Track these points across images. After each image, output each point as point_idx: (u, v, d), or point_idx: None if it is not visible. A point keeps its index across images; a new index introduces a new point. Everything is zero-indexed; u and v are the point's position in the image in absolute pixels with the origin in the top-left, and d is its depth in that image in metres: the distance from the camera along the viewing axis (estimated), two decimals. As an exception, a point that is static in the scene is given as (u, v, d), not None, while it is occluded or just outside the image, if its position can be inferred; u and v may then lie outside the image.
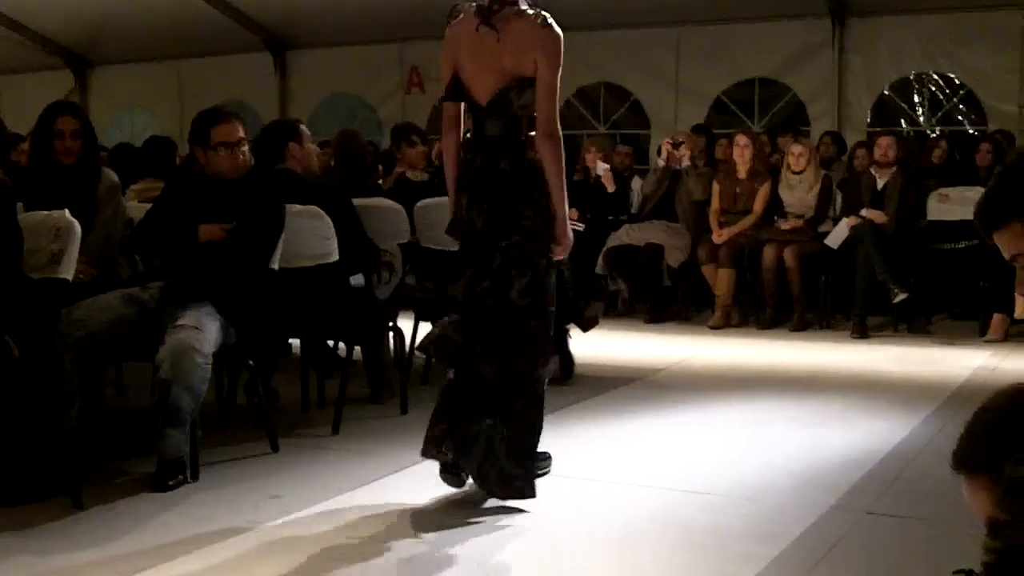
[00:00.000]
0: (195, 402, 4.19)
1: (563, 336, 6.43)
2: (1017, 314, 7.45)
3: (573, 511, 4.00)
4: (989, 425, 1.65)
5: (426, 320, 6.56)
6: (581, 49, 11.37)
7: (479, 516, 3.93)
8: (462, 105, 4.03)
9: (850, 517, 3.89)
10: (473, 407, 3.99)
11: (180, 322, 4.23)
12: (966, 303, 8.22)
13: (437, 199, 6.34)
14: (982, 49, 9.91)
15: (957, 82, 10.36)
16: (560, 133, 3.89)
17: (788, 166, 8.64)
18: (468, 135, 4.04)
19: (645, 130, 11.57)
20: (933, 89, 10.59)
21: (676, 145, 8.96)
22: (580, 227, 9.09)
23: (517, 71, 3.87)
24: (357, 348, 5.59)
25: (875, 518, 3.89)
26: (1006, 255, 1.96)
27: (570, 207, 8.87)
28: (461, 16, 3.97)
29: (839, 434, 5.12)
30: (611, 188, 9.33)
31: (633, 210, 9.45)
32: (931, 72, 10.48)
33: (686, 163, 8.91)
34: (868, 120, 10.54)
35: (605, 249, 8.92)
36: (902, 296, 7.87)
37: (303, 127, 5.71)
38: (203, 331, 4.23)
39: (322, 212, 5.13)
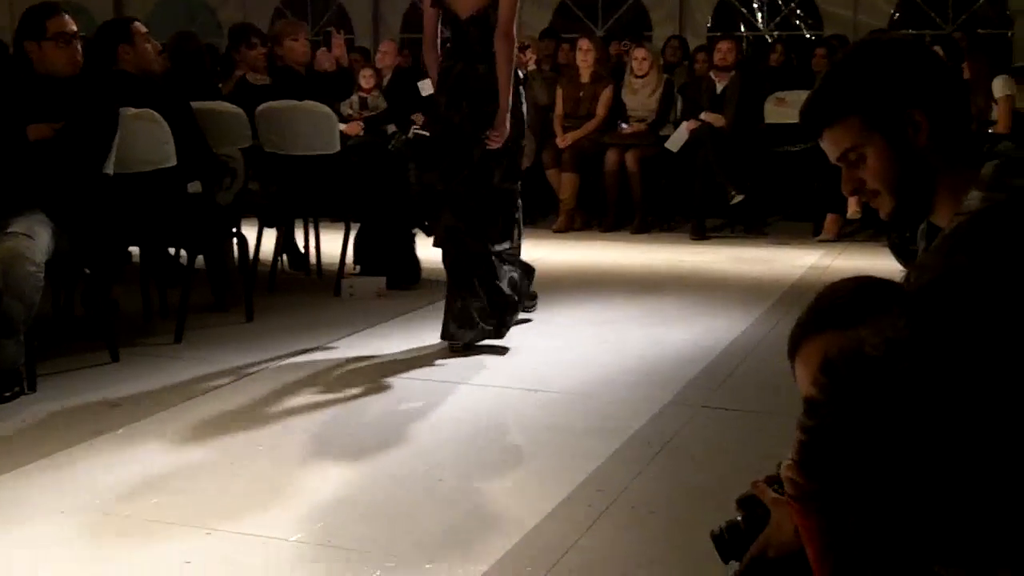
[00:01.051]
0: (28, 312, 4.08)
1: (409, 241, 6.45)
2: (849, 214, 7.77)
3: (417, 411, 4.06)
4: (824, 300, 1.70)
5: (270, 226, 6.50)
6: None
7: (323, 418, 3.96)
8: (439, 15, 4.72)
9: (686, 411, 4.04)
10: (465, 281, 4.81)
11: (10, 230, 4.09)
12: (801, 204, 8.49)
13: (279, 102, 6.24)
14: (819, -45, 10.15)
15: (794, -14, 10.60)
16: (515, 34, 4.62)
17: (631, 70, 8.73)
18: (448, 44, 4.71)
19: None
20: (771, -7, 10.82)
21: (522, 49, 8.94)
22: (426, 133, 9.04)
23: None
24: (201, 256, 5.50)
25: (710, 411, 4.05)
26: (834, 154, 1.96)
27: (415, 112, 8.78)
28: None
29: (677, 332, 5.29)
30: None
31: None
32: (770, -23, 10.68)
33: (531, 68, 8.91)
34: (709, 25, 10.70)
35: (451, 154, 8.89)
36: (739, 198, 8.09)
37: (137, 25, 5.49)
38: (34, 239, 4.10)
39: (158, 116, 5.00)
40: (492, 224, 4.81)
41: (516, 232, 5.11)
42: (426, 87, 9.32)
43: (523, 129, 4.90)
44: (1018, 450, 0.86)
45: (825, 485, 0.95)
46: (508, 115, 4.67)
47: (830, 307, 1.66)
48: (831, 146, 1.96)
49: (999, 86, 7.77)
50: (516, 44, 4.67)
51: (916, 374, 0.90)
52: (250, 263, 5.83)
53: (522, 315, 5.32)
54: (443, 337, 4.92)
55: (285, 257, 6.89)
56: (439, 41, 4.84)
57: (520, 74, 5.34)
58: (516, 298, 4.98)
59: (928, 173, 1.90)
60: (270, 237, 6.54)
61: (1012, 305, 0.95)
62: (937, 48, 8.12)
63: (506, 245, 4.95)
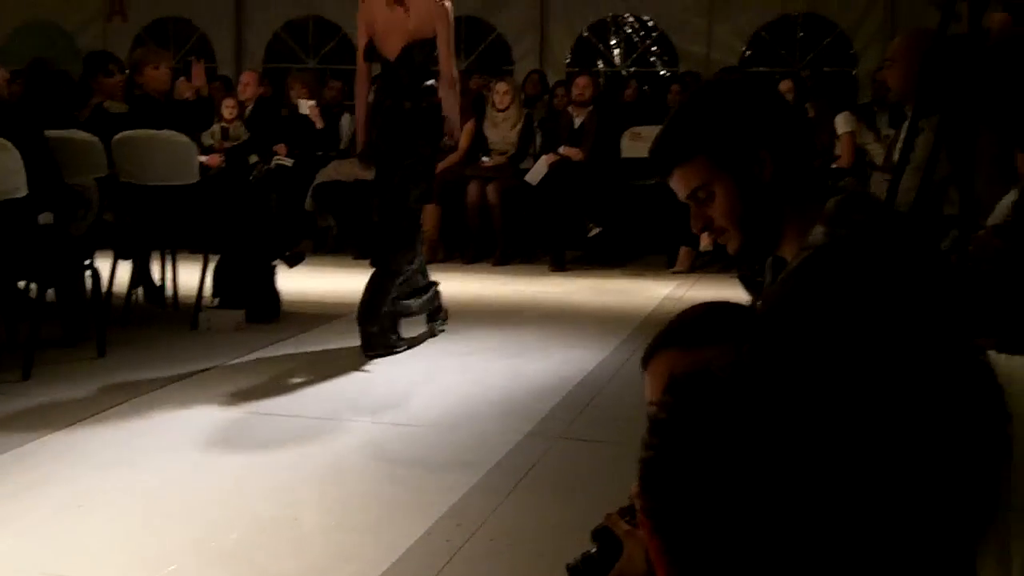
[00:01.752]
0: None
1: (270, 273, 6.39)
2: (702, 247, 8.00)
3: (276, 448, 4.02)
4: (676, 320, 1.75)
5: (125, 258, 6.37)
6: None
7: (177, 457, 3.90)
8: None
9: (545, 443, 4.10)
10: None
11: None
12: (656, 237, 8.69)
13: (137, 131, 6.14)
14: (676, -7, 10.44)
15: (651, 24, 10.85)
16: (457, 77, 5.44)
17: (492, 104, 8.84)
18: (377, 82, 5.39)
19: (355, 66, 11.49)
20: (628, 31, 11.06)
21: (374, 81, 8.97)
22: (288, 163, 9.00)
23: (419, 35, 5.26)
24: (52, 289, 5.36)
25: (568, 442, 4.12)
26: (683, 193, 2.00)
27: (278, 142, 8.78)
28: None
29: (537, 364, 5.36)
30: (319, 124, 9.26)
31: (343, 146, 9.43)
32: (626, 15, 10.92)
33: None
34: (568, 60, 10.89)
35: (314, 185, 8.86)
36: (596, 230, 8.26)
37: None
38: None
39: (9, 144, 4.87)
40: (401, 244, 5.49)
41: (419, 248, 5.71)
42: (303, 106, 9.29)
43: (436, 155, 5.68)
44: (855, 472, 0.93)
45: (666, 503, 0.99)
46: (457, 127, 5.61)
47: (680, 326, 1.72)
48: (680, 185, 2.00)
49: (841, 123, 8.10)
50: (458, 87, 5.53)
51: (758, 396, 0.95)
52: (104, 296, 5.70)
53: (435, 331, 5.90)
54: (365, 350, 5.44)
55: (141, 290, 6.75)
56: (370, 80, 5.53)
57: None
58: (415, 311, 5.68)
59: (774, 210, 1.96)
60: (125, 269, 6.41)
61: (851, 334, 1.02)
62: (787, 83, 8.44)
63: (414, 264, 5.60)
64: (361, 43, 5.49)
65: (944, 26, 3.10)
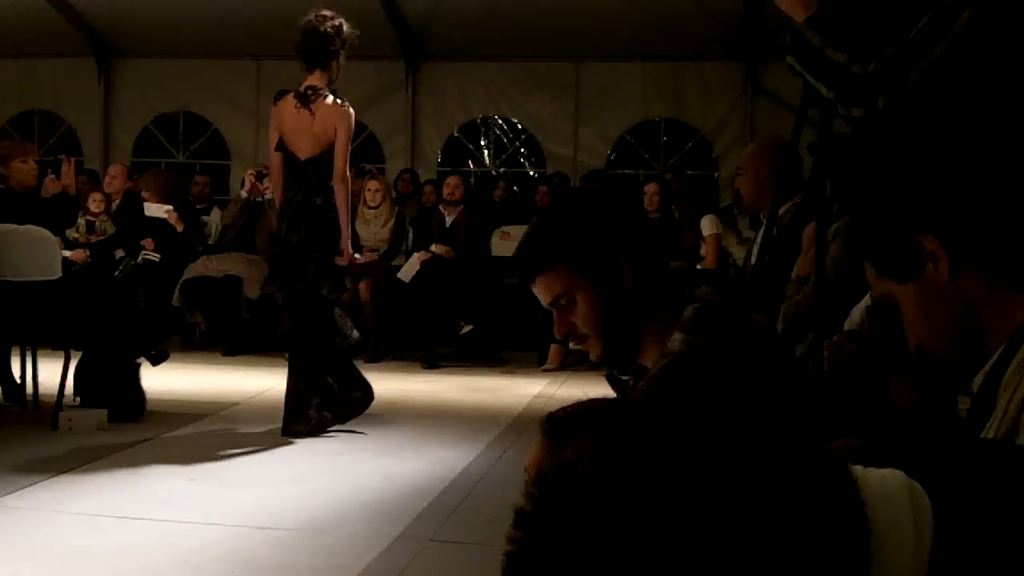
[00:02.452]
0: None
1: (134, 371, 6.26)
2: (571, 345, 8.11)
3: (136, 556, 3.90)
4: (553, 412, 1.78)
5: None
6: (161, 77, 11.16)
7: (31, 568, 3.76)
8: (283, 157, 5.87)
9: (415, 546, 4.07)
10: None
11: None
12: (526, 334, 8.79)
13: (7, 227, 6.01)
14: (541, 96, 10.72)
15: (519, 126, 11.10)
16: (348, 177, 5.86)
17: (364, 201, 8.90)
18: (288, 179, 5.87)
19: (225, 160, 11.46)
20: (498, 132, 11.28)
21: (260, 177, 8.98)
22: (156, 257, 8.88)
23: (325, 138, 5.76)
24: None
25: (438, 545, 4.09)
26: (546, 300, 2.06)
27: (145, 237, 8.75)
28: (285, 98, 5.92)
29: (409, 463, 5.34)
30: (179, 228, 9.15)
31: (211, 241, 9.34)
32: (496, 116, 11.16)
33: (268, 195, 8.94)
34: (439, 160, 11.05)
35: (182, 281, 8.75)
36: (468, 328, 8.32)
37: None
38: None
39: None
40: (322, 328, 5.84)
41: (348, 331, 6.08)
42: (151, 209, 9.18)
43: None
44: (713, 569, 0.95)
45: None
46: (348, 240, 5.93)
47: (555, 418, 1.76)
48: (543, 292, 2.06)
49: (707, 225, 8.37)
50: (348, 184, 5.90)
51: (622, 492, 0.97)
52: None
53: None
54: (284, 433, 5.76)
55: (-1, 388, 6.54)
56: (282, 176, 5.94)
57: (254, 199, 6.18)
58: (346, 390, 6.00)
59: (634, 319, 2.03)
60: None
61: (707, 439, 1.06)
62: (652, 186, 8.70)
63: (335, 342, 5.96)
64: (273, 139, 5.98)
65: (798, 130, 3.28)
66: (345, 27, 5.94)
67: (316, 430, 5.83)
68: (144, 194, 9.11)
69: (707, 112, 10.60)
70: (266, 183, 8.94)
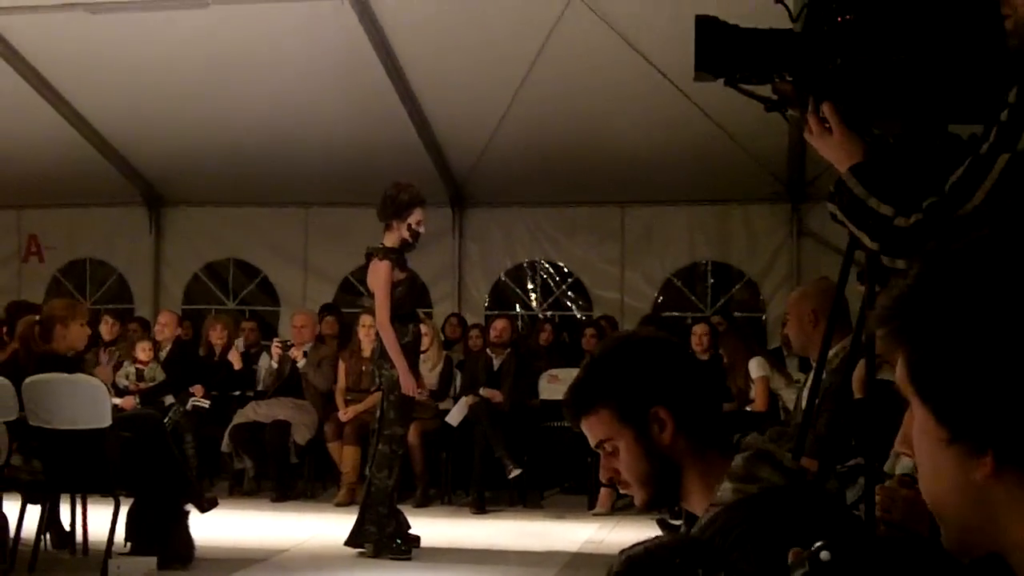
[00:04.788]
0: None
1: (183, 517, 6.23)
2: (622, 489, 8.00)
3: None
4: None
5: (34, 503, 6.18)
6: (211, 225, 11.40)
7: None
8: None
9: None
10: None
11: None
12: (576, 478, 8.71)
13: (48, 375, 6.07)
14: (586, 240, 10.81)
15: (566, 270, 11.18)
16: (389, 325, 6.61)
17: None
18: None
19: (275, 307, 11.60)
20: (544, 276, 11.37)
21: (287, 347, 9.12)
22: (205, 404, 8.93)
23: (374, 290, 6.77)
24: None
25: None
26: (592, 442, 2.06)
27: (194, 383, 8.87)
28: None
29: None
30: (238, 366, 9.27)
31: (260, 387, 9.40)
32: (542, 260, 11.27)
33: (301, 361, 9.06)
34: (486, 304, 11.12)
35: (231, 426, 8.78)
36: (517, 472, 8.24)
37: None
38: None
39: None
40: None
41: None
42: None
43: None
44: None
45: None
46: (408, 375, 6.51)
47: (633, 560, 1.73)
48: (589, 434, 2.07)
49: (755, 367, 8.33)
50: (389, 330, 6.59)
51: None
52: (10, 543, 5.50)
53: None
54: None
55: (49, 535, 6.52)
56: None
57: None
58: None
59: (673, 469, 2.01)
60: (34, 514, 6.21)
61: None
62: (701, 327, 8.69)
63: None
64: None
65: (845, 272, 3.27)
66: (400, 195, 6.68)
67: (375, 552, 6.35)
68: (213, 332, 9.30)
69: (753, 254, 10.63)
70: (293, 352, 9.08)
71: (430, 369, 8.86)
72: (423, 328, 9.09)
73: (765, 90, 2.56)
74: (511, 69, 8.70)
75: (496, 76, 8.85)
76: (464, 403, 8.54)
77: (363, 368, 8.85)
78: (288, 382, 9.07)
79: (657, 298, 10.85)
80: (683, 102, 8.29)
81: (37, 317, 6.40)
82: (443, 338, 9.59)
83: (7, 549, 5.45)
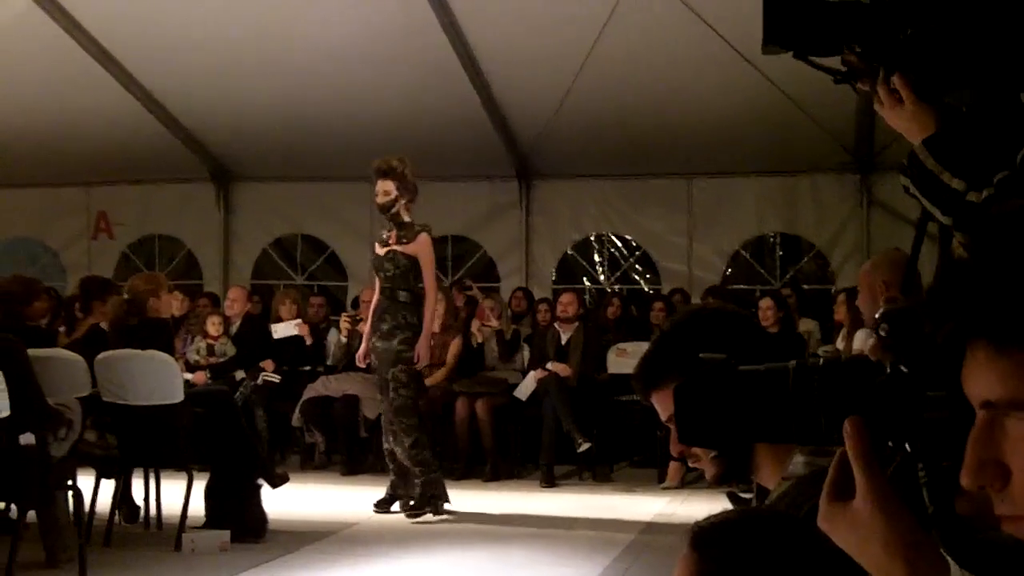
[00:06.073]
0: None
1: (255, 492, 6.30)
2: (692, 463, 7.94)
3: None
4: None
5: (108, 477, 6.28)
6: (279, 201, 11.48)
7: None
8: None
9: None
10: None
11: None
12: (645, 451, 8.66)
13: (120, 351, 6.17)
14: (654, 213, 10.71)
15: (633, 243, 11.11)
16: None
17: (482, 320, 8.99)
18: None
19: (343, 281, 11.67)
20: (612, 249, 11.30)
21: (355, 322, 9.16)
22: (276, 379, 9.01)
23: None
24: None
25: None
26: (663, 416, 2.03)
27: (265, 358, 8.97)
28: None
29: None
30: (309, 340, 9.34)
31: (330, 361, 9.46)
32: (609, 233, 11.19)
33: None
34: (553, 278, 11.08)
35: (302, 401, 8.85)
36: (586, 446, 8.22)
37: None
38: None
39: (-8, 365, 4.86)
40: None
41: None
42: (279, 330, 9.40)
43: None
44: None
45: None
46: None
47: (703, 530, 1.71)
48: (659, 408, 2.05)
49: (860, 339, 8.13)
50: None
51: None
52: (86, 517, 5.60)
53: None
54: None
55: (120, 511, 6.64)
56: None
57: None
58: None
59: (745, 443, 1.99)
60: (107, 488, 6.32)
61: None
62: (767, 301, 8.57)
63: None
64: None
65: (918, 243, 3.18)
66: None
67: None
68: (283, 308, 9.39)
69: (821, 225, 10.47)
70: (361, 326, 9.13)
71: (495, 343, 8.88)
72: (489, 302, 9.12)
73: (834, 61, 2.49)
74: (577, 39, 8.61)
75: (562, 47, 8.77)
76: (532, 377, 8.53)
77: (431, 341, 8.85)
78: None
79: (725, 271, 10.75)
80: (750, 72, 8.15)
81: (125, 295, 6.53)
82: (510, 312, 9.57)
83: (83, 524, 5.53)
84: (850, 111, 8.46)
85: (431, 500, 6.76)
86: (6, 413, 4.85)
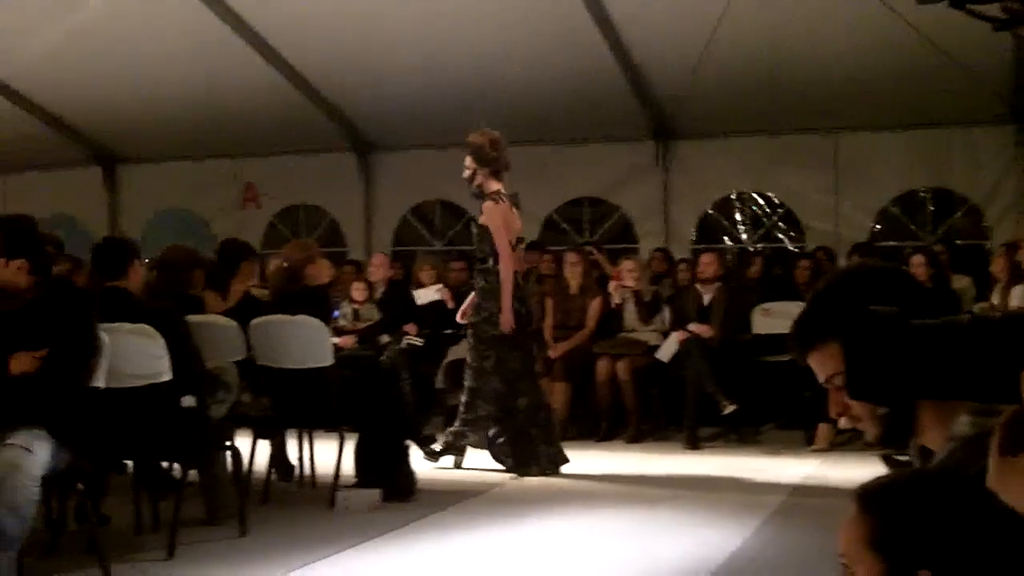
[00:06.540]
0: (22, 525, 4.01)
1: (404, 452, 6.41)
2: (841, 424, 7.77)
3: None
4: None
5: (264, 438, 6.47)
6: (417, 169, 11.60)
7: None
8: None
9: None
10: None
11: (8, 441, 4.06)
12: (792, 413, 8.51)
13: (273, 316, 6.34)
14: (799, 170, 10.47)
15: (776, 201, 10.89)
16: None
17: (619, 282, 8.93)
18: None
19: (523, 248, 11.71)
20: (754, 208, 11.10)
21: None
22: (419, 342, 9.13)
23: None
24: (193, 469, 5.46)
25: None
26: (820, 377, 2.00)
27: (408, 322, 9.15)
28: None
29: (674, 544, 5.23)
30: (451, 304, 9.43)
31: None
32: (751, 192, 10.99)
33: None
34: (693, 238, 10.95)
35: (445, 363, 8.93)
36: (731, 408, 8.11)
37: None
38: (33, 452, 4.07)
39: (154, 331, 5.02)
40: None
41: None
42: (422, 296, 9.53)
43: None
44: None
45: None
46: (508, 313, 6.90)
47: (870, 491, 1.67)
48: (817, 368, 2.01)
49: (1019, 295, 7.87)
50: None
51: None
52: (244, 476, 5.77)
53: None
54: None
55: (275, 470, 6.83)
56: None
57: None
58: None
59: (907, 403, 1.93)
60: (264, 448, 6.51)
61: None
62: (919, 257, 8.30)
63: None
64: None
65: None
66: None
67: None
68: (423, 273, 9.52)
69: (976, 179, 10.09)
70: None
71: (634, 304, 8.83)
72: (628, 263, 9.06)
73: (993, 10, 2.38)
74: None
75: (700, 3, 8.60)
76: (674, 338, 8.45)
77: (571, 305, 8.86)
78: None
79: (873, 227, 10.46)
80: (896, 22, 7.87)
81: (284, 264, 6.70)
82: (650, 273, 9.49)
83: (241, 482, 5.71)
84: (1007, 60, 8.11)
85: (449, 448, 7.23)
86: (168, 377, 5.01)
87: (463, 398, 7.15)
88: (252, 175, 12.15)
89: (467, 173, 7.23)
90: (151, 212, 12.60)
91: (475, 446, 7.30)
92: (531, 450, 7.04)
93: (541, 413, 7.10)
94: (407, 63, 9.81)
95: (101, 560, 4.56)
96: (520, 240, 7.46)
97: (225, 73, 10.10)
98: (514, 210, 7.23)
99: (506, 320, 6.95)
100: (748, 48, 9.04)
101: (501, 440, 7.17)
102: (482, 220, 7.15)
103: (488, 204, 7.11)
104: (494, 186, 7.18)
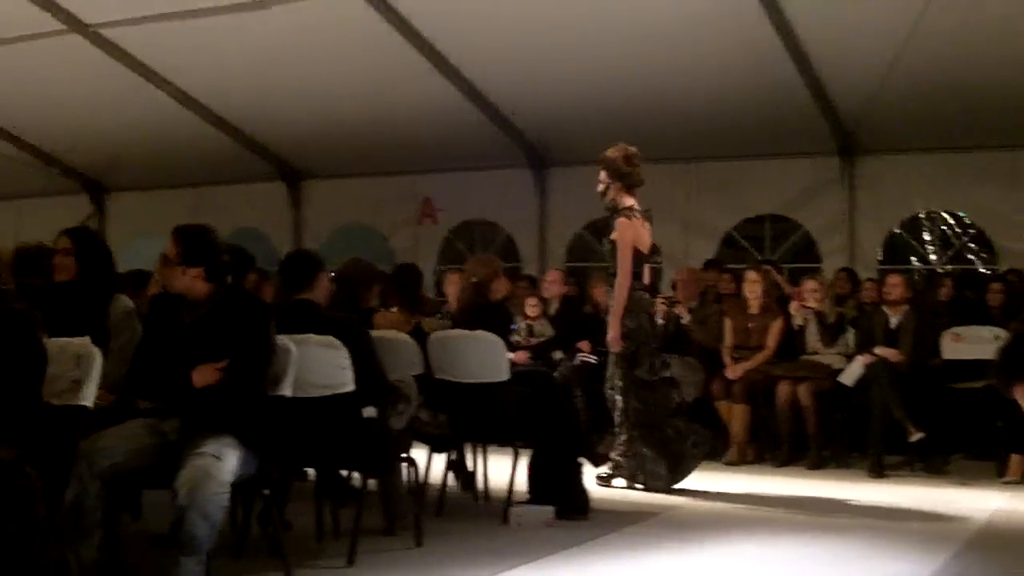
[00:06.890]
0: (212, 531, 4.12)
1: (576, 470, 6.37)
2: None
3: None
4: None
5: (439, 452, 6.53)
6: (592, 183, 11.56)
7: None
8: None
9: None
10: None
11: (200, 450, 4.18)
12: (983, 443, 8.12)
13: (451, 331, 6.42)
14: (992, 188, 10.00)
15: (967, 220, 10.44)
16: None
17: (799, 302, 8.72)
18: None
19: (656, 263, 11.61)
20: (943, 227, 10.68)
21: (671, 304, 9.06)
22: (593, 359, 9.08)
23: None
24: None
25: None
26: None
27: (582, 339, 9.23)
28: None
29: (860, 576, 5.03)
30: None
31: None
32: (940, 211, 10.56)
33: (685, 318, 9.01)
34: (879, 257, 10.59)
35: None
36: (918, 435, 7.79)
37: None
38: (222, 460, 4.18)
39: (338, 342, 5.12)
40: None
41: None
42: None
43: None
44: None
45: None
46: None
47: None
48: (1022, 399, 1.92)
49: None
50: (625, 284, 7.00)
51: None
52: (421, 487, 5.82)
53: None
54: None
55: (452, 478, 6.88)
56: None
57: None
58: None
59: None
60: (439, 461, 6.55)
61: None
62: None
63: None
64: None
65: None
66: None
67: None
68: (596, 290, 9.51)
69: None
70: (678, 309, 9.05)
71: (816, 326, 8.59)
72: (811, 284, 8.81)
73: None
74: (904, 5, 8.15)
75: (887, 13, 8.31)
76: (860, 362, 8.16)
77: (749, 325, 8.68)
78: (674, 339, 9.02)
79: (1076, 250, 9.93)
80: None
81: (472, 279, 6.80)
82: (833, 294, 9.21)
83: (417, 493, 5.76)
84: None
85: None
86: (351, 387, 5.09)
87: (615, 418, 7.21)
88: (429, 191, 12.34)
89: (600, 187, 7.24)
90: (332, 227, 12.92)
91: (628, 478, 7.20)
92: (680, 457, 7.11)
93: (668, 430, 7.17)
94: (584, 78, 9.81)
95: (285, 564, 4.65)
96: (652, 254, 7.48)
97: (404, 90, 10.29)
98: (646, 225, 7.20)
99: (613, 337, 6.99)
100: (939, 62, 8.70)
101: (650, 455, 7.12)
102: (613, 236, 7.12)
103: (621, 220, 7.09)
104: (627, 201, 7.15)
